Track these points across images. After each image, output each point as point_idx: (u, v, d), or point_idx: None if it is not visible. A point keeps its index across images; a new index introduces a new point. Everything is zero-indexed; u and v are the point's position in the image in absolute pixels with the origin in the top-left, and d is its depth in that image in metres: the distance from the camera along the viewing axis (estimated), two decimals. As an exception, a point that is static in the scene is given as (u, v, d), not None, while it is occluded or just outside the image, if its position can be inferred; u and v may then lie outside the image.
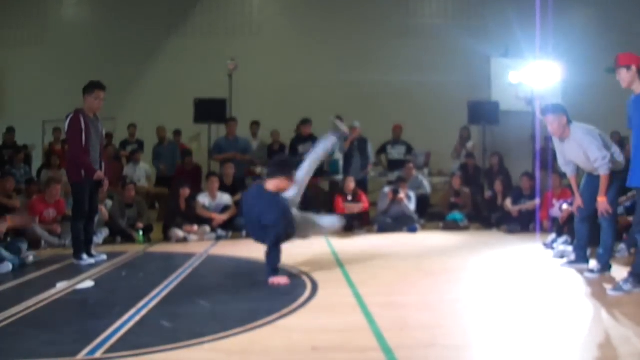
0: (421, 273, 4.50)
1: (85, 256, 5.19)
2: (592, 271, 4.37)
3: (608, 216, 4.30)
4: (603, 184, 4.27)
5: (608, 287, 3.84)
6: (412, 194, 7.98)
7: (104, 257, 5.36)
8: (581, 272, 4.46)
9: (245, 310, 3.36)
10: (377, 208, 7.94)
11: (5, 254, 4.86)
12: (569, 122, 4.48)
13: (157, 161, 9.53)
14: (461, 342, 2.75)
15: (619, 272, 4.37)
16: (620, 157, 4.39)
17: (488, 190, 8.60)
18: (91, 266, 5.00)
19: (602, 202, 4.27)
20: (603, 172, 4.26)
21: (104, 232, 6.69)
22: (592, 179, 4.47)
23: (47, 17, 11.87)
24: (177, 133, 10.00)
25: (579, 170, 4.73)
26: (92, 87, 5.25)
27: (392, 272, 4.58)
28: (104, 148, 5.59)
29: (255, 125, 9.57)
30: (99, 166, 5.32)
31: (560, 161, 4.71)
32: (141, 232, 6.84)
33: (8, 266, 4.72)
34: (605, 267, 4.37)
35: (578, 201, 4.61)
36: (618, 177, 4.31)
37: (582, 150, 4.38)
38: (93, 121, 5.26)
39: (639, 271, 3.76)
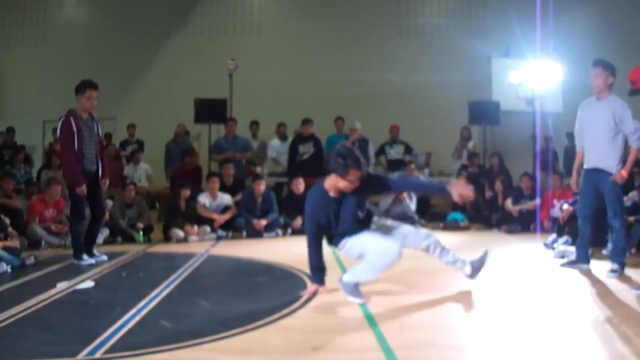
0: (421, 273, 4.50)
1: (85, 256, 5.17)
2: (614, 271, 4.31)
3: (615, 212, 4.30)
4: (632, 157, 4.30)
5: (612, 288, 3.85)
6: (413, 194, 7.98)
7: (105, 257, 5.33)
8: (582, 271, 4.46)
9: (245, 310, 3.35)
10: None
11: (3, 254, 4.84)
12: (611, 87, 4.42)
13: (169, 158, 9.42)
14: (462, 342, 2.74)
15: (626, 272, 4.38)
16: None
17: (488, 190, 8.60)
18: (91, 266, 5.00)
19: (623, 176, 4.27)
20: (636, 144, 4.28)
21: (104, 232, 6.69)
22: (590, 175, 4.48)
23: (47, 17, 11.86)
24: (187, 133, 9.96)
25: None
26: (84, 86, 5.13)
27: (393, 272, 4.55)
28: (103, 148, 5.49)
29: (255, 125, 9.58)
30: (96, 166, 5.25)
31: (577, 130, 4.66)
32: (141, 232, 6.84)
33: (2, 267, 4.69)
34: (622, 266, 4.35)
35: (574, 178, 4.68)
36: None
37: (611, 117, 4.32)
38: (87, 121, 5.17)
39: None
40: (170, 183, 9.06)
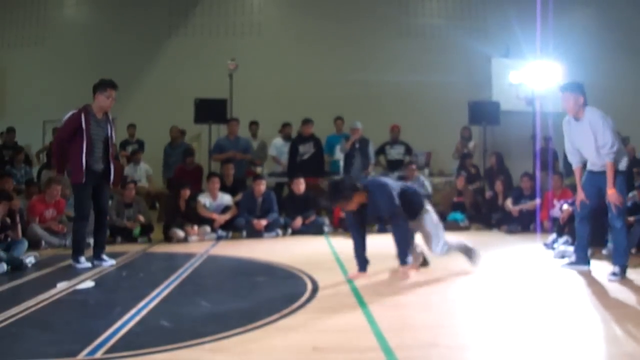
0: (421, 273, 4.50)
1: (82, 259, 5.02)
2: (615, 274, 4.21)
3: (618, 212, 4.23)
4: (610, 173, 4.19)
5: (612, 289, 3.85)
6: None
7: (113, 261, 5.16)
8: (582, 272, 4.46)
9: (245, 310, 3.36)
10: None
11: (3, 254, 4.84)
12: (585, 104, 4.41)
13: (168, 162, 9.43)
14: (462, 342, 2.74)
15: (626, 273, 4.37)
16: (625, 155, 4.37)
17: (488, 190, 8.60)
18: (87, 269, 4.87)
19: (612, 194, 4.19)
20: (609, 159, 4.19)
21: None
22: (593, 177, 4.44)
23: (47, 17, 11.85)
24: (182, 133, 9.96)
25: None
26: (104, 85, 5.09)
27: (392, 272, 4.57)
28: (113, 151, 5.37)
29: (254, 125, 9.57)
30: (103, 166, 5.13)
31: (568, 148, 4.61)
32: (139, 227, 6.85)
33: (2, 267, 4.69)
34: (624, 269, 4.25)
35: (580, 195, 4.51)
36: (621, 176, 4.30)
37: (592, 134, 4.28)
38: (100, 121, 5.10)
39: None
40: (167, 186, 9.07)
